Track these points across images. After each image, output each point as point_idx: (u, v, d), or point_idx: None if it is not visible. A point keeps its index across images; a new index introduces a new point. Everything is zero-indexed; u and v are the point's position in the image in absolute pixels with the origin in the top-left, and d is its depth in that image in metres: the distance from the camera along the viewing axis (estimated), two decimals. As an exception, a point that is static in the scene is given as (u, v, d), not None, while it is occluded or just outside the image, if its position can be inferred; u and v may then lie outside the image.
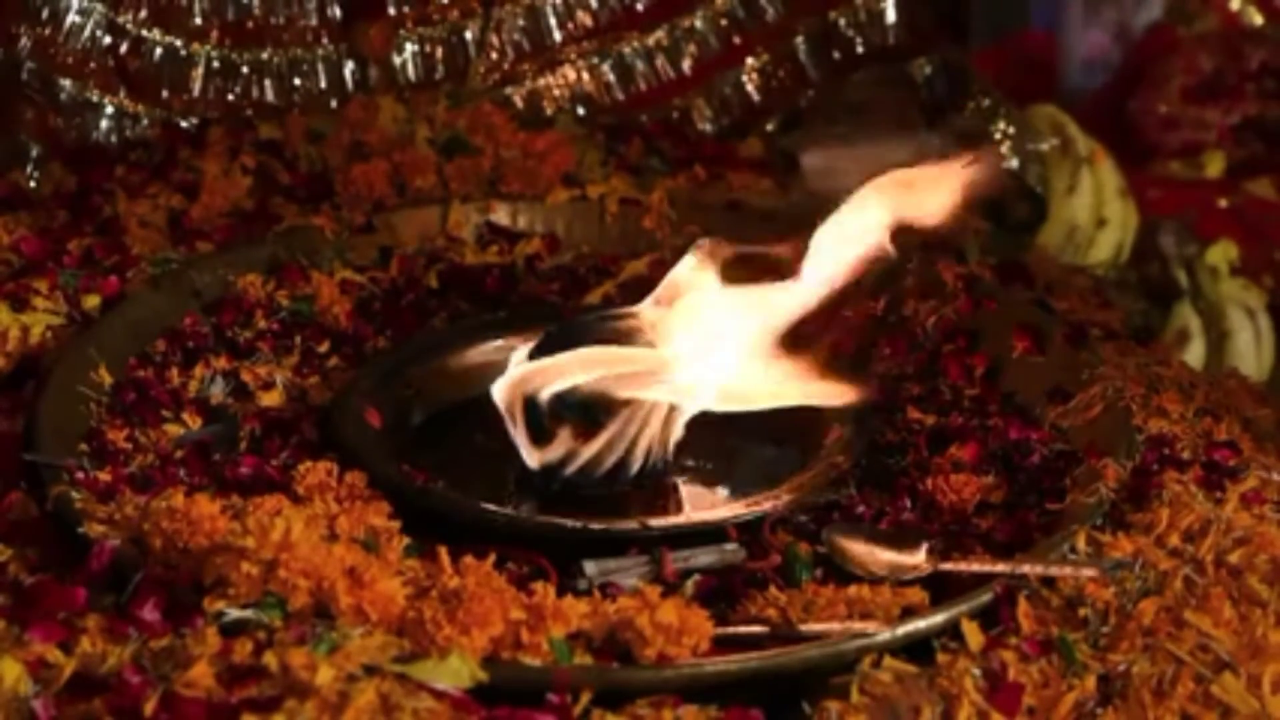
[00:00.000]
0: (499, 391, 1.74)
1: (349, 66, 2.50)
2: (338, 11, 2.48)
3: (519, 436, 1.74)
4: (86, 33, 2.39)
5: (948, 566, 1.60)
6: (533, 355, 1.74)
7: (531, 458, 1.74)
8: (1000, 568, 1.57)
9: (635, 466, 1.74)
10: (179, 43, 2.43)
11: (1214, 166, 3.00)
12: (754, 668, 1.44)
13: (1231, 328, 2.59)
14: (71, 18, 2.39)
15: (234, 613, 1.43)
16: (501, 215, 2.22)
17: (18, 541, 1.57)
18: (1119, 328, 2.03)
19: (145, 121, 2.43)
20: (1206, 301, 2.62)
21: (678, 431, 1.77)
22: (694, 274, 1.76)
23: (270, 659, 1.36)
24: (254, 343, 1.94)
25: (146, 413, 1.79)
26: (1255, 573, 1.55)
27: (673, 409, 1.74)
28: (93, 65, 2.41)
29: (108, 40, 2.41)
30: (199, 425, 1.80)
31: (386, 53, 2.49)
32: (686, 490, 1.78)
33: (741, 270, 1.76)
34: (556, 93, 2.57)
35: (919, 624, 1.49)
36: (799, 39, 2.65)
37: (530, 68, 2.56)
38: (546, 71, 2.57)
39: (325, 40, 2.48)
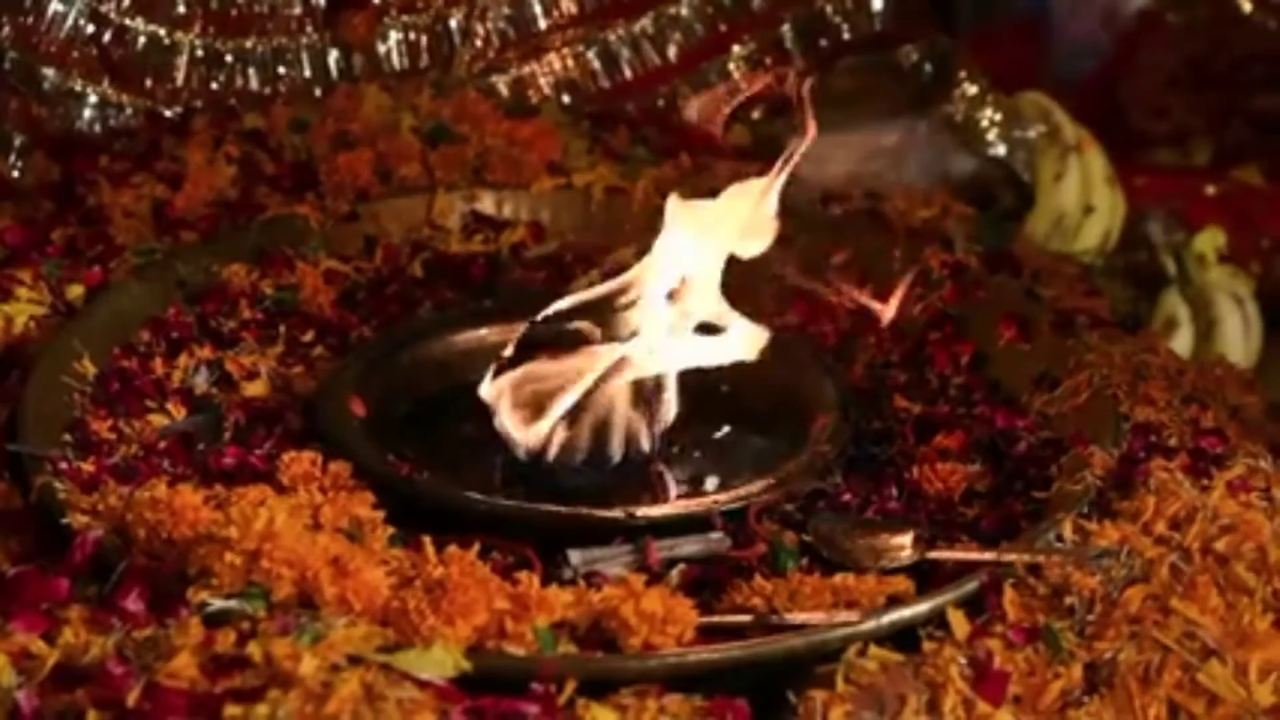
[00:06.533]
0: (487, 391, 1.74)
1: (333, 55, 2.49)
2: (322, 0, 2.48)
3: (506, 423, 1.74)
4: (69, 22, 2.39)
5: (934, 555, 1.60)
6: (517, 347, 1.74)
7: (514, 428, 1.73)
8: (986, 556, 1.57)
9: (619, 449, 1.74)
10: (162, 31, 2.42)
11: (1201, 154, 3.00)
12: (738, 657, 1.44)
13: (1219, 315, 2.59)
14: (54, 6, 2.38)
15: (217, 603, 1.42)
16: (487, 204, 2.21)
17: (1, 532, 1.57)
18: (1106, 315, 2.03)
19: (129, 111, 2.42)
20: (1194, 289, 2.62)
21: (664, 419, 1.77)
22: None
23: (254, 649, 1.36)
24: (238, 333, 1.93)
25: (130, 403, 1.78)
26: (1242, 560, 1.55)
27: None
28: (76, 54, 2.40)
29: (91, 29, 2.40)
30: (183, 415, 1.80)
31: (371, 41, 2.49)
32: (672, 479, 1.78)
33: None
34: (542, 81, 2.56)
35: (904, 613, 1.49)
36: (785, 26, 2.65)
37: (515, 55, 2.56)
38: (532, 59, 2.56)
39: (309, 29, 2.48)
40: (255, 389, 1.86)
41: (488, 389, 1.74)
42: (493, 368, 1.75)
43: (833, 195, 2.23)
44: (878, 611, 1.49)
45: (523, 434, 1.73)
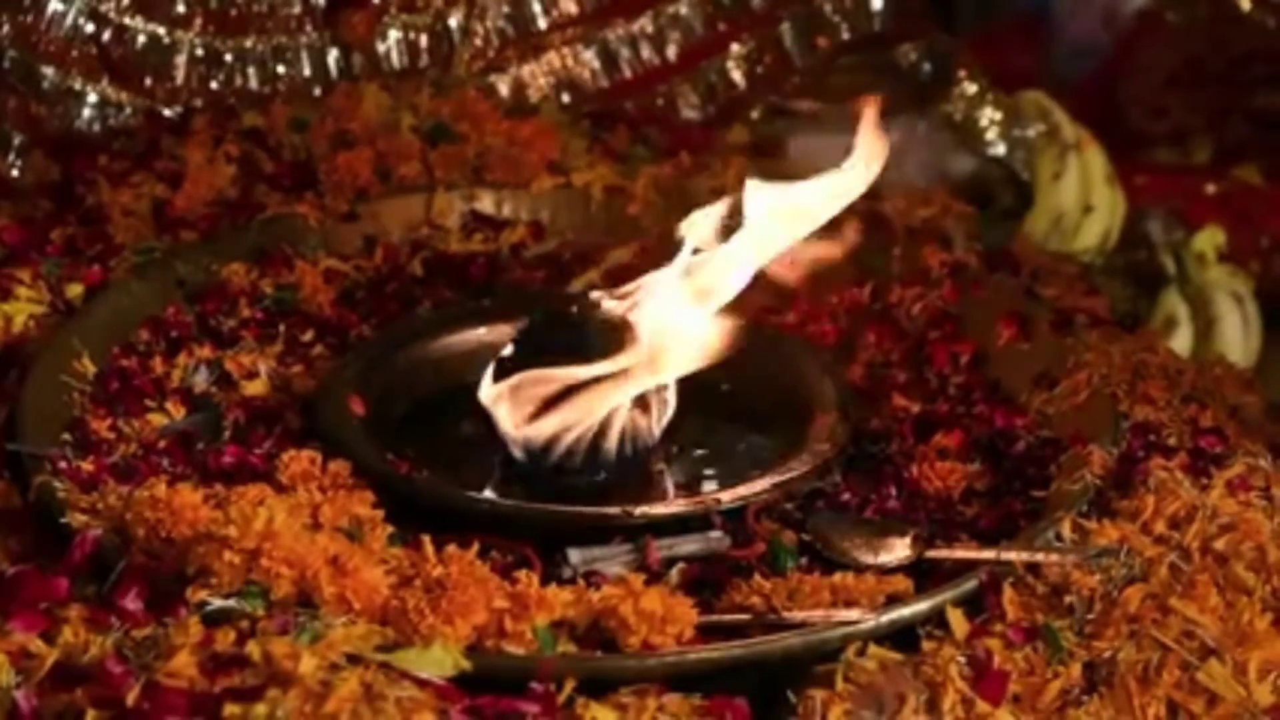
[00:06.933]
0: (486, 395, 1.74)
1: (333, 54, 2.49)
2: (321, -2, 2.49)
3: (503, 424, 1.74)
4: (69, 21, 2.39)
5: (933, 554, 1.60)
6: (515, 344, 1.74)
7: (513, 428, 1.73)
8: (985, 555, 1.57)
9: (614, 449, 1.74)
10: (162, 30, 2.43)
11: (1201, 153, 3.00)
12: (737, 656, 1.44)
13: (1219, 314, 2.59)
14: (54, 5, 2.38)
15: (216, 602, 1.42)
16: (486, 203, 2.21)
17: (0, 531, 1.57)
18: (1105, 315, 2.03)
19: (128, 110, 2.42)
20: (1194, 288, 2.62)
21: (663, 418, 1.77)
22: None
23: (253, 648, 1.36)
24: (238, 332, 1.93)
25: (130, 402, 1.78)
26: (1241, 560, 1.55)
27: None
28: (75, 53, 2.40)
29: (90, 28, 2.40)
30: (182, 414, 1.80)
31: (370, 40, 2.48)
32: (671, 478, 1.78)
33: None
34: (541, 80, 2.56)
35: (904, 612, 1.49)
36: (784, 25, 2.65)
37: (515, 55, 2.56)
38: (531, 59, 2.56)
39: (309, 28, 2.48)
40: (254, 388, 1.86)
41: (487, 391, 1.73)
42: (492, 368, 1.74)
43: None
44: (877, 610, 1.49)
45: (522, 435, 1.73)
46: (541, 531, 1.63)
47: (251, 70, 2.46)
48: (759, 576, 1.56)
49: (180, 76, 2.44)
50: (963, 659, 1.44)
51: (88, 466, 1.66)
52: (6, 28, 2.36)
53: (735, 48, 2.63)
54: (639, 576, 1.49)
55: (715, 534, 1.64)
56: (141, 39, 2.43)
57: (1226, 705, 1.44)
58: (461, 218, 2.19)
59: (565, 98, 2.55)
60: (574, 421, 1.71)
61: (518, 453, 1.74)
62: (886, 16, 2.69)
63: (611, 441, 1.73)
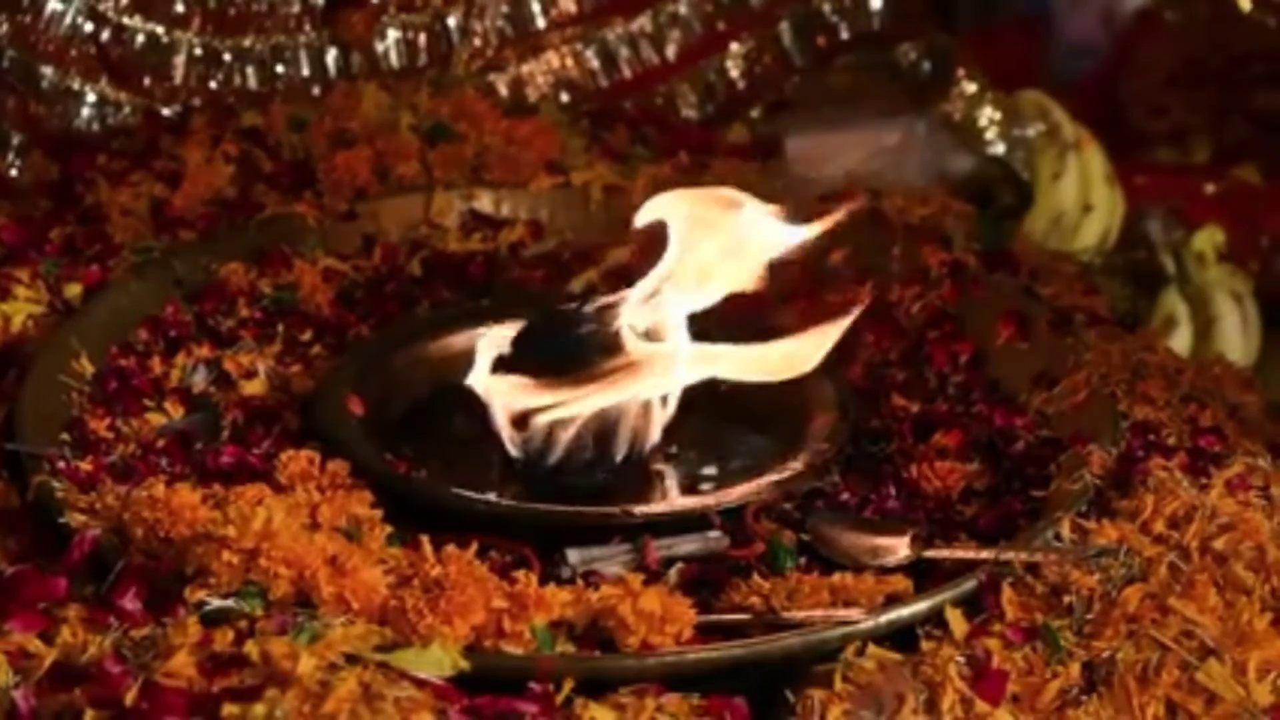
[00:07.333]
0: (480, 385, 1.74)
1: (332, 53, 2.49)
2: (320, -2, 2.49)
3: (501, 424, 1.74)
4: (68, 20, 2.39)
5: (932, 554, 1.60)
6: (515, 344, 1.74)
7: (509, 425, 1.73)
8: (984, 555, 1.57)
9: (619, 452, 1.74)
10: (161, 30, 2.42)
11: (1200, 152, 3.00)
12: (736, 656, 1.44)
13: (1218, 313, 2.59)
14: (52, 5, 2.37)
15: (215, 602, 1.42)
16: (485, 203, 2.21)
17: (-1, 531, 1.57)
18: (1105, 314, 2.03)
19: (127, 109, 2.42)
20: (1193, 287, 2.62)
21: (663, 417, 1.76)
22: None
23: (251, 648, 1.36)
24: (236, 331, 1.93)
25: (128, 402, 1.78)
26: (1240, 559, 1.55)
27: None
28: (74, 53, 2.40)
29: (89, 28, 2.40)
30: (181, 414, 1.80)
31: (369, 39, 2.48)
32: (670, 478, 1.77)
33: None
34: (540, 79, 2.56)
35: (903, 611, 1.48)
36: (783, 25, 2.65)
37: (514, 54, 2.56)
38: (530, 58, 2.56)
39: (308, 27, 2.48)
40: (253, 388, 1.86)
41: (480, 381, 1.73)
42: (490, 361, 1.74)
43: (833, 195, 2.23)
44: (876, 610, 1.49)
45: (520, 436, 1.73)
46: (540, 531, 1.63)
47: (250, 70, 2.46)
48: (758, 576, 1.56)
49: (179, 76, 2.44)
50: (962, 659, 1.43)
51: (86, 466, 1.66)
52: (5, 27, 2.36)
53: (734, 47, 2.63)
54: (638, 576, 1.49)
55: (714, 534, 1.64)
56: (140, 38, 2.42)
57: (1226, 705, 1.44)
58: (460, 217, 2.19)
59: (564, 97, 2.55)
60: (571, 418, 1.71)
61: (515, 451, 1.74)
62: (886, 16, 2.69)
63: (611, 441, 1.73)
